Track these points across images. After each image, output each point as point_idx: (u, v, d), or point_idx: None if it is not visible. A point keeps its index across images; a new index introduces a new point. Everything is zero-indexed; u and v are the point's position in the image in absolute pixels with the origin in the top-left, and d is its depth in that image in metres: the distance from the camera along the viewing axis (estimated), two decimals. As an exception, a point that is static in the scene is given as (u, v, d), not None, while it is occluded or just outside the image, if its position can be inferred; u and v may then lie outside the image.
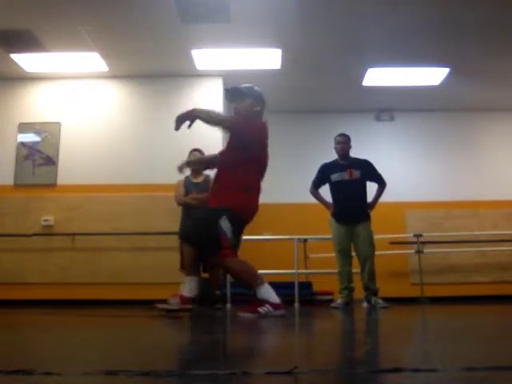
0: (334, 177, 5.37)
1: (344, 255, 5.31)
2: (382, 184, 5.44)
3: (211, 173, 5.62)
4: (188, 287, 3.81)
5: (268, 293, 3.60)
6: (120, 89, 7.10)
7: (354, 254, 5.39)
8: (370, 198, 5.44)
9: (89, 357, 1.69)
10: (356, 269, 5.38)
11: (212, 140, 6.73)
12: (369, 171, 5.41)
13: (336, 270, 5.39)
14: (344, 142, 5.43)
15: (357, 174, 5.35)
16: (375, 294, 5.24)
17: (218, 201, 3.67)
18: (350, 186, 5.31)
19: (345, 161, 5.40)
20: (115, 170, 6.77)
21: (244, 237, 5.07)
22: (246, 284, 3.71)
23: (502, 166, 8.04)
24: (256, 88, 3.94)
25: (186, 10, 5.33)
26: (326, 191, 5.54)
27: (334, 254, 5.41)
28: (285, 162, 7.63)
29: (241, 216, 3.68)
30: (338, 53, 6.35)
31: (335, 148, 5.46)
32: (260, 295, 3.58)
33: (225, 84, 7.08)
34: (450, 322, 3.50)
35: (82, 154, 6.81)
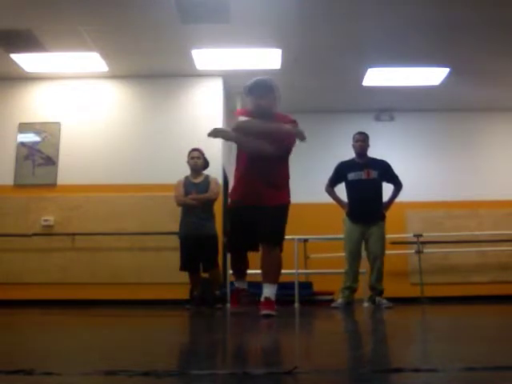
0: (351, 176, 5.31)
1: (354, 255, 5.27)
2: (398, 186, 5.40)
3: (211, 173, 5.64)
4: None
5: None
6: (120, 89, 7.10)
7: (363, 253, 5.36)
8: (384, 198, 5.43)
9: (89, 357, 1.69)
10: (363, 269, 5.38)
11: (211, 139, 6.73)
12: (387, 172, 5.36)
13: (337, 270, 5.39)
14: (362, 140, 5.36)
15: (374, 174, 5.29)
16: (380, 294, 5.24)
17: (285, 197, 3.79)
18: (366, 186, 5.26)
19: (362, 160, 5.34)
20: (115, 170, 6.77)
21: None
22: (277, 276, 3.77)
23: (502, 166, 8.04)
24: (270, 78, 3.89)
25: (186, 10, 5.33)
26: (338, 190, 5.51)
27: (343, 254, 5.37)
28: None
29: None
30: (337, 53, 6.35)
31: (353, 146, 5.39)
32: (271, 293, 3.68)
33: (225, 84, 7.08)
34: (449, 322, 3.50)
35: (81, 154, 6.81)
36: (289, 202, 3.82)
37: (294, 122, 3.83)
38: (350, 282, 5.25)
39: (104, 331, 2.93)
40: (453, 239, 7.38)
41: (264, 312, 3.56)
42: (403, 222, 7.71)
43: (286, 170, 3.84)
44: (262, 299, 3.68)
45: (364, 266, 5.40)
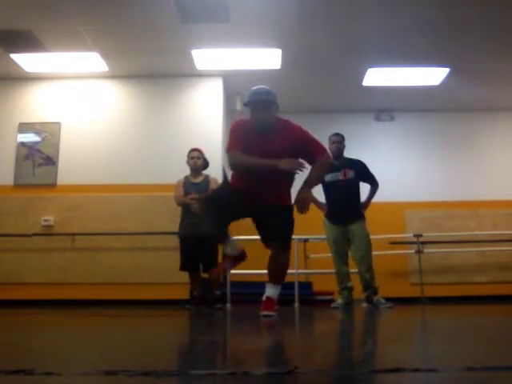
0: (328, 177, 5.32)
1: (340, 255, 5.31)
2: (374, 185, 5.43)
3: (210, 173, 5.65)
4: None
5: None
6: (120, 89, 7.10)
7: (350, 254, 5.38)
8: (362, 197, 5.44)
9: (89, 357, 1.69)
10: (353, 269, 5.38)
11: (211, 139, 6.75)
12: (363, 172, 5.40)
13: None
14: (339, 142, 5.42)
15: (351, 174, 5.33)
16: (375, 292, 5.25)
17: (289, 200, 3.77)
18: (344, 187, 5.29)
19: (339, 161, 5.38)
20: (115, 170, 6.76)
21: (244, 237, 5.09)
22: (283, 278, 3.77)
23: (502, 166, 8.04)
24: (268, 89, 3.74)
25: (186, 9, 5.33)
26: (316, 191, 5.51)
27: (330, 255, 5.41)
28: (285, 162, 7.62)
29: None
30: (338, 53, 6.35)
31: (330, 148, 5.44)
32: (274, 293, 3.69)
33: (225, 84, 7.08)
34: (450, 322, 3.50)
35: (81, 154, 6.81)
36: (291, 203, 3.79)
37: (301, 130, 3.74)
38: (344, 283, 5.27)
39: (104, 331, 2.93)
40: (453, 239, 7.37)
41: (264, 313, 3.56)
42: (403, 221, 7.71)
43: (289, 181, 3.78)
44: (264, 298, 3.68)
45: (354, 266, 5.39)
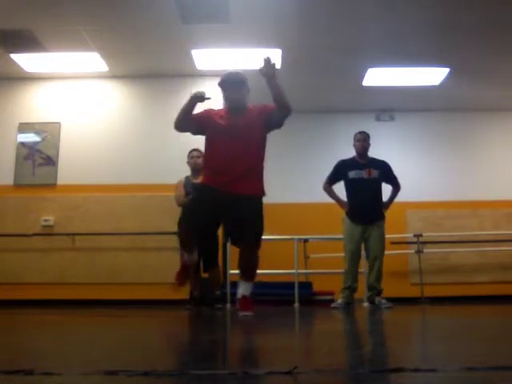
0: (352, 174, 5.30)
1: (354, 255, 5.26)
2: (397, 187, 5.43)
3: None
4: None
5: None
6: (120, 89, 7.10)
7: (363, 253, 5.36)
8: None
9: (89, 357, 1.69)
10: (362, 269, 5.37)
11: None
12: (387, 173, 5.39)
13: (337, 270, 5.39)
14: (363, 140, 5.38)
15: (375, 173, 5.31)
16: (379, 293, 5.24)
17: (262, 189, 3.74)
18: (367, 185, 5.27)
19: (363, 159, 5.36)
20: (115, 170, 6.76)
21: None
22: (255, 275, 3.74)
23: (502, 166, 8.04)
24: (240, 72, 4.00)
25: (186, 10, 5.33)
26: (338, 189, 5.50)
27: (343, 254, 5.35)
28: (285, 162, 7.64)
29: None
30: (337, 53, 6.35)
31: (354, 145, 5.41)
32: (249, 291, 3.67)
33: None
34: (449, 322, 3.50)
35: (82, 154, 6.81)
36: (264, 194, 3.76)
37: (265, 107, 3.81)
38: (350, 282, 5.24)
39: (104, 331, 2.93)
40: (453, 239, 7.38)
41: (243, 313, 3.57)
42: (403, 222, 7.71)
43: (263, 153, 3.77)
44: (239, 296, 3.67)
45: (363, 266, 5.39)
